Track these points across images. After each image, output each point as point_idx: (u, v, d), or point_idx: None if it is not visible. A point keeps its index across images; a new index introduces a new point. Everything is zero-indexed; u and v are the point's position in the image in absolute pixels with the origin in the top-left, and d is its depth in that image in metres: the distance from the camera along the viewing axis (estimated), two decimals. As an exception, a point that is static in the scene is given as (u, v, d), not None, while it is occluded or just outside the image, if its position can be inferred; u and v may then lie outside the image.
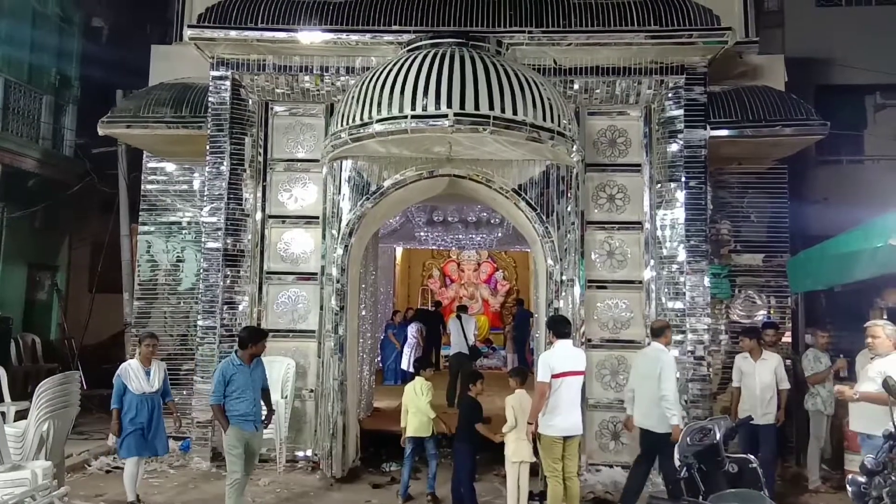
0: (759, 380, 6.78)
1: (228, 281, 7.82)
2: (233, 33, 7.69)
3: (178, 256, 9.24)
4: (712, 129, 7.74)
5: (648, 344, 6.67)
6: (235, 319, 7.82)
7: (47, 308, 12.66)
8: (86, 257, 13.01)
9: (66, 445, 6.33)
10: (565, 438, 5.80)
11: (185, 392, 8.67)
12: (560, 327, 6.06)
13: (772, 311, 8.64)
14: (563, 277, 7.61)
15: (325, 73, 7.92)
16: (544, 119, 6.68)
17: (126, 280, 10.51)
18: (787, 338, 8.48)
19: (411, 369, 11.42)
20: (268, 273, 8.11)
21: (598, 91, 7.82)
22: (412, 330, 11.65)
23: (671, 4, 7.67)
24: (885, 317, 9.02)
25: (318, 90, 8.05)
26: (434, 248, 16.85)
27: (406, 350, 11.64)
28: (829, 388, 7.44)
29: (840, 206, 9.61)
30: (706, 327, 7.53)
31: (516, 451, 6.10)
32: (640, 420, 6.18)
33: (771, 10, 12.45)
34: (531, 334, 13.17)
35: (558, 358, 5.85)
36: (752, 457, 4.62)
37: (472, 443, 6.36)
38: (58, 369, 10.07)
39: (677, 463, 4.61)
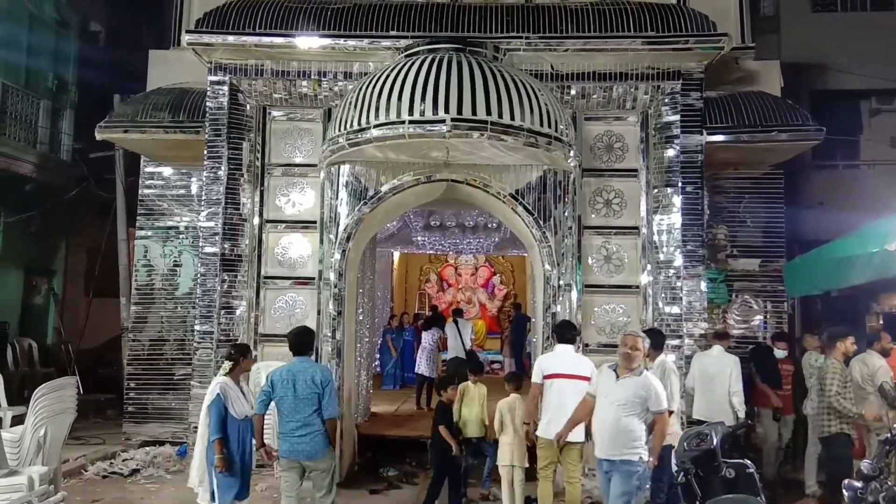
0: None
1: (226, 286, 7.81)
2: (231, 38, 7.69)
3: (175, 261, 9.24)
4: (708, 134, 7.78)
5: (709, 347, 7.20)
6: (233, 324, 7.81)
7: (44, 312, 12.64)
8: (82, 262, 13.00)
9: (63, 450, 6.30)
10: (566, 443, 5.68)
11: (182, 396, 8.69)
12: (562, 331, 6.07)
13: (768, 316, 8.67)
14: (561, 282, 7.63)
15: (323, 79, 7.93)
16: (541, 124, 6.69)
17: (123, 285, 10.51)
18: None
19: (426, 373, 11.34)
20: (265, 278, 8.10)
21: (594, 96, 7.85)
22: (430, 337, 11.62)
23: (667, 10, 7.70)
24: (880, 321, 9.10)
25: (315, 95, 8.05)
26: (431, 252, 16.85)
27: (421, 355, 11.61)
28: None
29: (836, 211, 9.67)
30: (703, 332, 7.53)
31: (503, 455, 6.20)
32: (708, 415, 6.45)
33: (767, 15, 12.53)
34: (528, 339, 13.16)
35: (550, 360, 5.92)
36: (749, 462, 4.62)
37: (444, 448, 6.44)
38: (54, 374, 10.06)
39: (674, 469, 4.62)
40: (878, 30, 12.05)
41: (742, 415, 6.58)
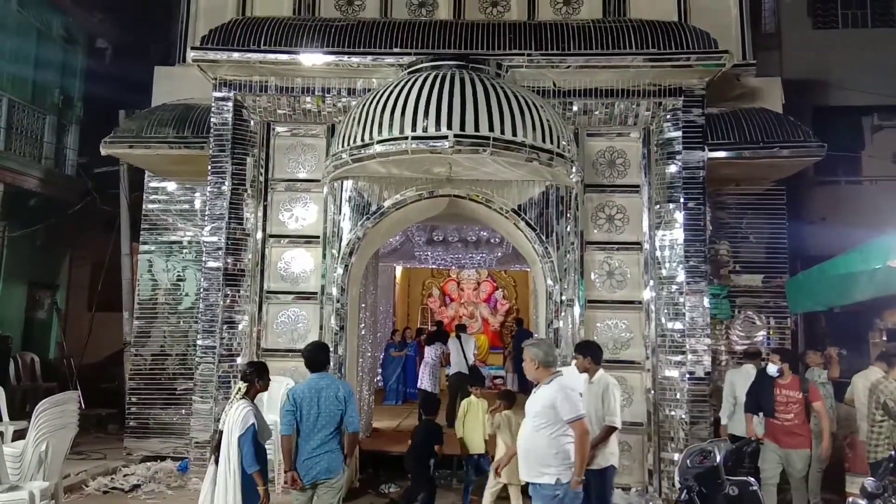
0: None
1: (228, 300, 7.81)
2: (235, 55, 7.76)
3: (178, 276, 9.27)
4: (710, 150, 7.79)
5: (739, 364, 7.50)
6: (235, 339, 7.81)
7: (47, 327, 12.65)
8: (86, 276, 13.03)
9: (64, 465, 6.29)
10: None
11: (183, 411, 8.69)
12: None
13: (771, 332, 8.65)
14: (563, 297, 7.62)
15: (326, 95, 7.98)
16: (544, 140, 6.74)
17: (126, 299, 10.52)
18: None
19: (429, 388, 11.32)
20: (268, 292, 8.11)
21: (596, 113, 7.88)
22: (433, 352, 11.62)
23: (669, 28, 7.74)
24: (884, 338, 9.07)
25: (319, 111, 8.10)
26: (434, 267, 16.86)
27: (423, 370, 11.60)
28: (831, 403, 7.45)
29: (838, 227, 9.67)
30: (706, 348, 7.50)
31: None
32: (743, 431, 6.76)
33: (768, 32, 12.60)
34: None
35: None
36: (753, 479, 4.61)
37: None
38: (56, 388, 10.07)
39: (677, 485, 4.60)
40: (879, 46, 12.13)
41: None
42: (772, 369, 6.48)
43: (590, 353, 5.66)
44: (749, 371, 7.30)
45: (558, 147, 6.85)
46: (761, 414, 6.55)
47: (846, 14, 12.95)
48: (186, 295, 9.23)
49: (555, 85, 7.75)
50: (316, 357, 5.25)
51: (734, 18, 8.95)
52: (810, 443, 6.30)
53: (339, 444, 5.04)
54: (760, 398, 6.57)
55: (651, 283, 7.76)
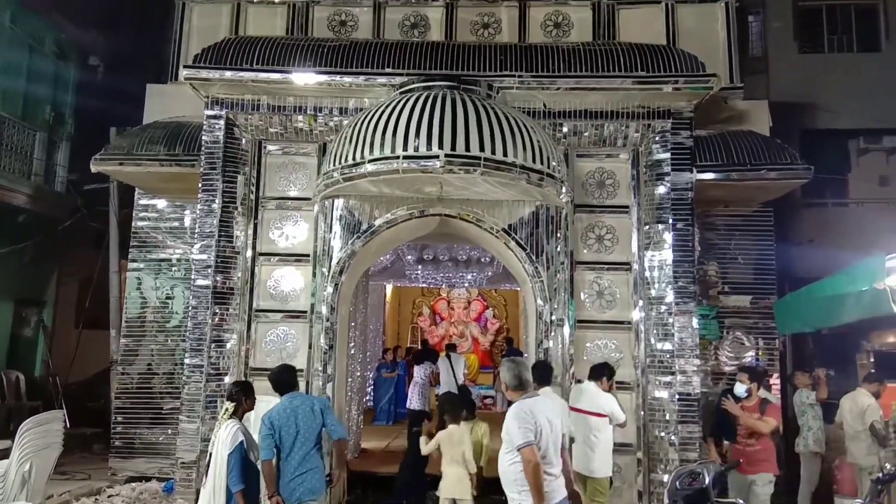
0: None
1: (217, 319, 7.77)
2: (228, 74, 7.79)
3: (167, 294, 9.21)
4: (699, 172, 7.87)
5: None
6: (223, 358, 7.76)
7: (33, 344, 12.51)
8: (73, 293, 12.92)
9: (48, 486, 6.21)
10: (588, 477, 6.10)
11: (169, 431, 8.59)
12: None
13: (760, 353, 8.68)
14: (553, 317, 7.63)
15: (318, 114, 8.01)
16: (534, 161, 6.78)
17: (114, 317, 10.44)
18: (775, 380, 8.51)
19: (418, 408, 11.26)
20: (257, 311, 8.07)
21: (586, 134, 7.95)
22: (423, 371, 11.58)
23: (657, 51, 7.85)
24: (871, 359, 9.13)
25: (311, 130, 8.13)
26: (424, 285, 16.85)
27: (412, 390, 11.54)
28: (820, 425, 7.47)
29: (826, 249, 9.73)
30: (695, 369, 7.51)
31: (443, 487, 6.15)
32: None
33: (755, 56, 12.76)
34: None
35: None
36: (741, 501, 4.60)
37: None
38: (41, 407, 9.94)
39: (666, 507, 4.59)
40: (865, 71, 12.30)
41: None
42: (739, 389, 6.19)
43: (535, 372, 5.56)
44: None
45: (548, 167, 6.89)
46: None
47: (832, 39, 13.15)
48: (175, 313, 9.16)
49: (545, 106, 7.82)
50: (282, 379, 5.26)
51: (722, 42, 9.08)
52: (775, 466, 6.03)
53: (320, 461, 5.03)
54: (721, 421, 6.33)
55: (640, 303, 7.79)
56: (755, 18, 13.09)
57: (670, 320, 7.53)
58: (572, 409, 6.18)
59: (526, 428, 4.34)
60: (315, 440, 5.02)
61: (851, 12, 13.12)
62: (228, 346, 7.82)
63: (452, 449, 6.11)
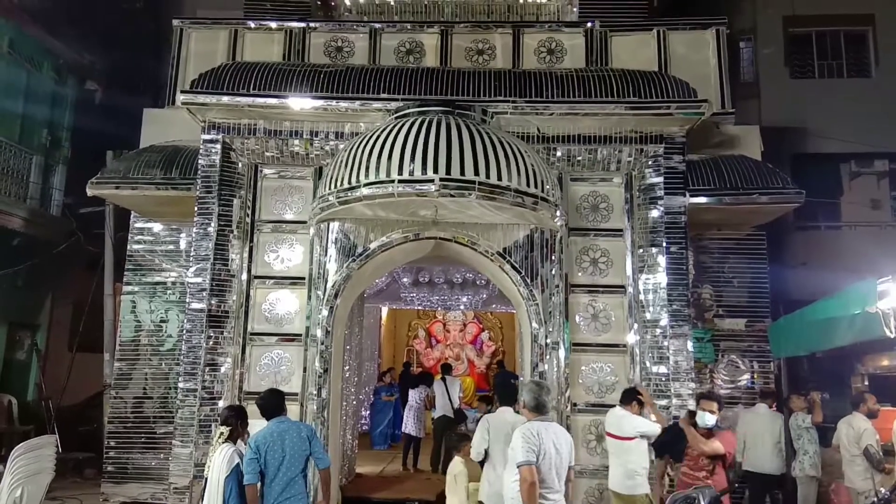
0: None
1: (211, 342, 7.75)
2: (225, 99, 7.86)
3: (161, 317, 9.19)
4: (691, 196, 7.94)
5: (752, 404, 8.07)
6: (217, 382, 7.72)
7: (25, 368, 12.43)
8: (67, 316, 12.88)
9: (39, 512, 6.14)
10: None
11: (162, 456, 8.52)
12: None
13: (755, 376, 8.68)
14: (548, 340, 7.63)
15: (314, 138, 8.07)
16: (528, 185, 6.85)
17: (108, 340, 10.41)
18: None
19: (413, 431, 11.21)
20: (251, 334, 8.05)
21: (580, 158, 8.02)
22: (418, 395, 11.53)
23: (649, 77, 7.95)
24: (866, 382, 9.13)
25: (307, 154, 8.18)
26: (420, 308, 16.81)
27: (408, 413, 11.48)
28: (816, 449, 7.45)
29: (819, 271, 9.80)
30: (691, 392, 7.49)
31: None
32: (758, 467, 7.56)
33: (746, 81, 12.95)
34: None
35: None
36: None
37: None
38: (32, 432, 9.86)
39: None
40: (855, 95, 12.48)
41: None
42: (709, 420, 5.80)
43: (497, 393, 5.88)
44: (761, 411, 7.83)
45: (542, 191, 6.95)
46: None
47: (822, 64, 13.37)
48: (169, 336, 9.14)
49: (539, 131, 7.90)
50: (270, 403, 5.25)
51: (713, 68, 9.20)
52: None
53: (304, 488, 5.01)
54: (677, 443, 6.05)
55: (635, 326, 7.80)
56: (746, 44, 13.30)
57: (665, 343, 7.54)
58: (607, 433, 6.44)
59: (529, 448, 4.47)
60: (301, 467, 5.00)
61: (841, 38, 13.35)
62: (223, 369, 7.79)
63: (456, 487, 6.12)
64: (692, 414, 6.18)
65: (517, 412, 5.91)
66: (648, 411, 6.56)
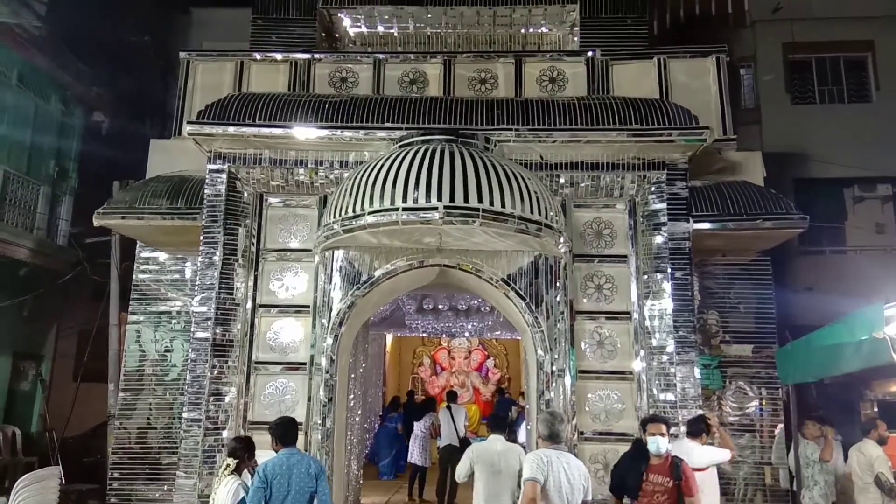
0: None
1: (216, 371, 7.73)
2: (231, 129, 7.93)
3: (166, 346, 9.18)
4: (695, 222, 7.92)
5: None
6: (221, 411, 7.68)
7: (30, 398, 12.41)
8: (72, 346, 12.86)
9: (41, 545, 6.08)
10: None
11: (166, 487, 8.45)
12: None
13: (764, 403, 8.59)
14: (554, 368, 7.58)
15: (319, 167, 8.12)
16: (532, 211, 6.87)
17: (112, 370, 10.39)
18: (779, 430, 8.40)
19: (419, 461, 11.11)
20: (256, 363, 8.03)
21: (583, 185, 8.05)
22: (423, 424, 11.45)
23: (651, 105, 8.01)
24: (875, 409, 9.03)
25: (312, 182, 8.23)
26: (424, 335, 16.77)
27: (413, 443, 11.38)
28: (827, 479, 7.33)
29: (825, 296, 9.76)
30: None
31: None
32: None
33: (748, 108, 13.06)
34: (518, 424, 12.80)
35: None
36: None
37: None
38: (36, 463, 9.81)
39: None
40: (856, 121, 12.56)
41: None
42: (662, 445, 5.18)
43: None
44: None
45: (546, 218, 6.98)
46: None
47: (823, 90, 13.48)
48: (174, 366, 9.12)
49: (542, 158, 7.94)
50: (286, 432, 5.24)
51: (714, 95, 9.25)
52: None
53: None
54: (628, 478, 5.26)
55: (641, 352, 7.75)
56: (747, 71, 13.44)
57: (672, 370, 7.49)
58: None
59: (538, 467, 4.57)
60: (306, 501, 4.95)
61: (841, 64, 13.48)
62: (227, 399, 7.75)
63: None
64: (639, 443, 5.45)
65: (509, 441, 5.97)
66: (715, 437, 6.50)
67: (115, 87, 13.53)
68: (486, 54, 9.94)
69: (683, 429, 6.70)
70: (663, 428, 5.27)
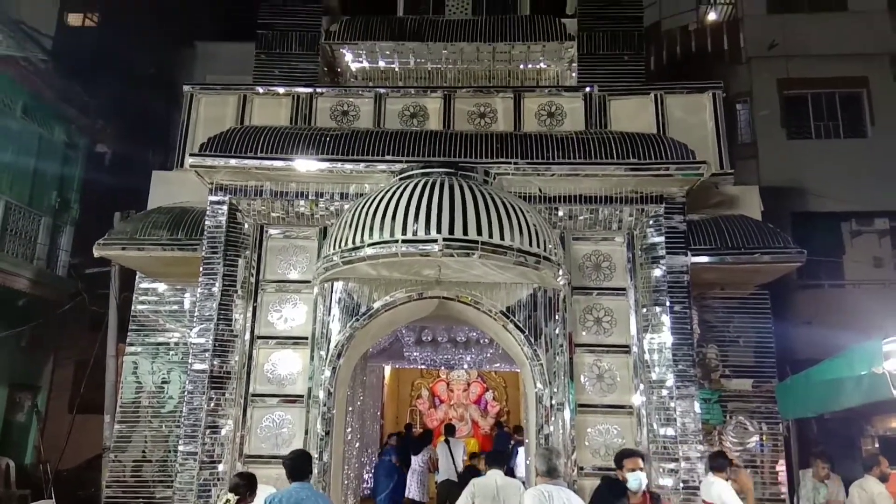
0: None
1: (213, 404, 7.66)
2: (233, 161, 8.00)
3: (163, 378, 9.11)
4: (693, 255, 7.94)
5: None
6: (217, 444, 7.60)
7: (25, 430, 12.30)
8: (69, 377, 12.80)
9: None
10: None
11: (161, 522, 8.33)
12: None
13: (764, 438, 8.52)
14: (553, 401, 7.53)
15: (319, 199, 8.17)
16: (531, 244, 6.90)
17: (108, 402, 10.30)
18: (780, 466, 8.31)
19: (416, 496, 10.97)
20: (253, 395, 7.96)
21: (581, 218, 8.09)
22: (421, 458, 11.31)
23: (648, 139, 8.09)
24: (876, 444, 8.95)
25: (312, 214, 8.27)
26: (423, 367, 16.67)
27: (411, 478, 11.23)
28: None
29: (824, 330, 9.74)
30: (699, 455, 7.32)
31: None
32: None
33: (744, 142, 13.20)
34: (516, 460, 12.64)
35: None
36: None
37: None
38: (30, 496, 9.68)
39: None
40: (852, 156, 12.69)
41: None
42: (643, 481, 5.15)
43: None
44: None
45: (545, 251, 7.00)
46: None
47: (818, 125, 13.64)
48: (170, 398, 9.03)
49: (540, 191, 7.99)
50: (299, 466, 5.20)
51: (710, 130, 9.36)
52: None
53: None
54: None
55: (641, 386, 7.71)
56: (743, 106, 13.61)
57: (672, 404, 7.43)
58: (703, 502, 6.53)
59: (539, 503, 4.65)
60: None
61: (836, 100, 13.65)
62: (223, 432, 7.68)
63: None
64: (615, 481, 5.27)
65: (508, 476, 5.93)
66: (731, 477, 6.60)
67: (119, 119, 13.69)
68: (485, 89, 10.09)
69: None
70: (640, 462, 5.27)
